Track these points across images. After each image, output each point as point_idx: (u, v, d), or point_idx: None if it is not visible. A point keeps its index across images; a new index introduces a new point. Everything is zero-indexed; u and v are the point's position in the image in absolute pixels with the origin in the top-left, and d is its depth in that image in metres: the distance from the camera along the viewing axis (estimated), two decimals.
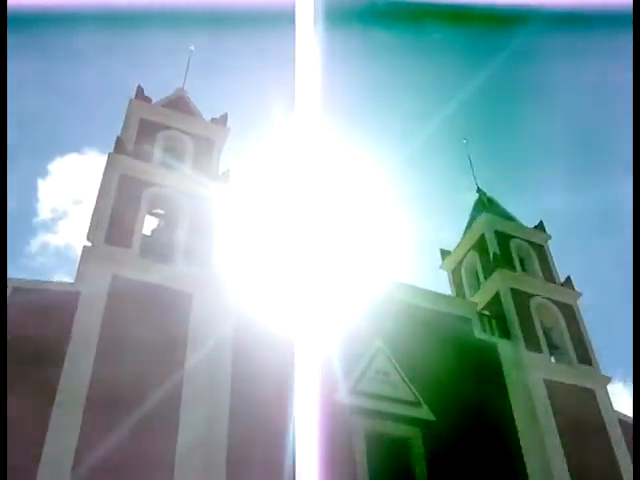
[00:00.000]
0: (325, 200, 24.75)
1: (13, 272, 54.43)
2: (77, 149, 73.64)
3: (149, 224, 22.23)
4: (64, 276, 56.84)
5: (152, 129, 23.97)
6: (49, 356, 16.67)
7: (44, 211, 64.82)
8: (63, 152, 62.84)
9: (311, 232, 21.16)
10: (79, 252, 19.74)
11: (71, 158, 65.44)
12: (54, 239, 65.94)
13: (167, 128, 24.32)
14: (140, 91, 25.23)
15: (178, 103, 26.05)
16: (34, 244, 60.16)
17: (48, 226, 65.17)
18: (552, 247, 28.95)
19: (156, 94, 26.01)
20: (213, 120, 25.89)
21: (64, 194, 65.25)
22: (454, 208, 59.24)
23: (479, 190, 31.04)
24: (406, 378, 20.80)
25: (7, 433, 14.70)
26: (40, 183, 63.23)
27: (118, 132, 24.60)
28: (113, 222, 20.31)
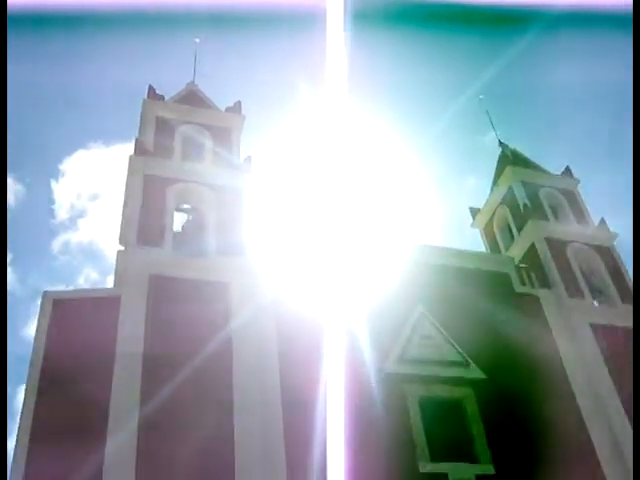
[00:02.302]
0: (354, 169, 24.77)
1: (39, 274, 55.70)
2: (82, 145, 74.59)
3: (178, 220, 22.39)
4: (92, 272, 57.69)
5: (169, 126, 24.07)
6: (97, 365, 16.90)
7: (61, 212, 65.60)
8: (70, 150, 63.71)
9: (340, 205, 21.21)
10: (103, 247, 20.15)
11: (79, 155, 66.18)
12: (75, 237, 66.96)
13: (183, 123, 24.40)
14: (152, 90, 25.29)
15: (190, 97, 26.10)
16: (55, 245, 60.90)
17: (67, 226, 65.92)
18: (582, 191, 28.65)
19: (167, 91, 26.15)
20: (227, 109, 25.91)
21: (79, 192, 66.04)
22: (480, 167, 59.18)
23: (501, 144, 30.68)
24: (452, 340, 20.78)
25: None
26: (53, 185, 63.90)
27: (118, 121, 24.90)
28: (143, 223, 20.47)
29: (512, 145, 30.76)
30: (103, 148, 61.97)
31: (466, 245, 27.72)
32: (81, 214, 70.33)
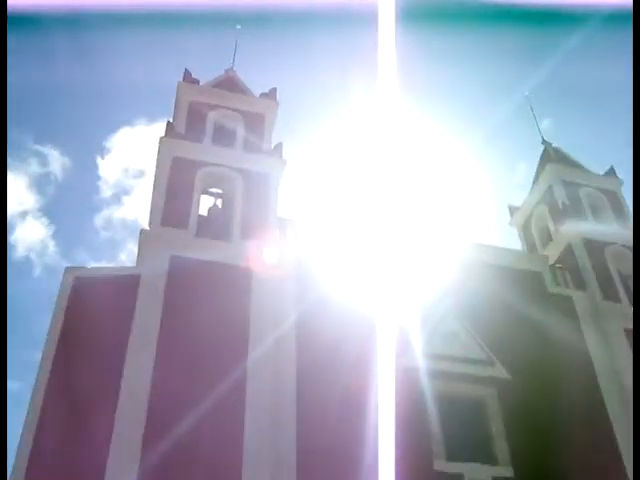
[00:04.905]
0: (400, 163, 24.44)
1: (83, 249, 56.23)
2: (127, 122, 75.72)
3: (205, 203, 22.29)
4: (135, 248, 57.94)
5: (202, 110, 23.93)
6: (113, 342, 16.85)
7: (106, 188, 66.32)
8: (115, 128, 64.90)
9: (381, 197, 20.80)
10: (146, 224, 20.23)
11: (123, 132, 66.82)
12: (119, 214, 67.66)
13: (216, 107, 24.21)
14: (188, 74, 25.19)
15: (227, 83, 25.91)
16: (98, 220, 61.49)
17: (110, 202, 66.71)
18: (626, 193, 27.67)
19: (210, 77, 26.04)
20: (262, 95, 25.65)
21: (126, 168, 66.81)
22: (522, 165, 58.54)
23: (544, 141, 29.89)
24: (478, 338, 20.17)
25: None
26: (99, 161, 64.65)
27: (162, 99, 24.93)
28: (169, 204, 20.46)
29: (560, 143, 30.03)
30: (147, 124, 62.77)
31: (505, 242, 26.97)
32: (127, 191, 71.29)
